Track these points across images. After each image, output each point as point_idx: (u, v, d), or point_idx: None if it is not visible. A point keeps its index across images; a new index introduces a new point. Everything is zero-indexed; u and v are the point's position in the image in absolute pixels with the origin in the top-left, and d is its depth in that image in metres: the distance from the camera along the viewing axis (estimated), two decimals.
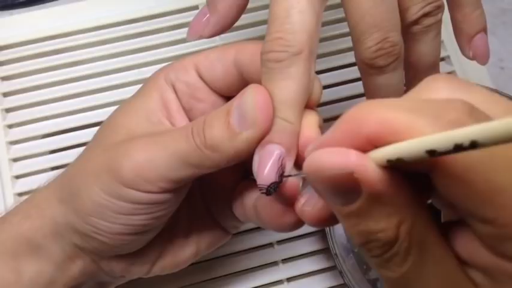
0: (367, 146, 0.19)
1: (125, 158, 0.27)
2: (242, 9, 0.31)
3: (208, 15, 0.31)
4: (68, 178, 0.30)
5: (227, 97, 0.31)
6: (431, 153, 0.17)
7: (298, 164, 0.26)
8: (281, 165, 0.25)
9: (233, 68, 0.29)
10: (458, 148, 0.16)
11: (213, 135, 0.26)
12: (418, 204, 0.20)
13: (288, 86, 0.25)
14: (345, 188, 0.19)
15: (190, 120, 0.30)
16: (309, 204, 0.25)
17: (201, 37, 0.32)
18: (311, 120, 0.27)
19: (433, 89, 0.20)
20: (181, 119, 0.30)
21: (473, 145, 0.16)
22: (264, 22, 0.47)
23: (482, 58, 0.33)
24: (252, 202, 0.30)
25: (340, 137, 0.19)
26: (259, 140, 0.26)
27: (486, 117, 0.18)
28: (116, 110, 0.31)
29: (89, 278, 0.32)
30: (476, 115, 0.18)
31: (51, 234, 0.30)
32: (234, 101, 0.26)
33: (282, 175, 0.25)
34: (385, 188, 0.19)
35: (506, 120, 0.15)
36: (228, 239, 0.35)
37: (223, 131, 0.26)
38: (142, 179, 0.27)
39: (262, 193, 0.25)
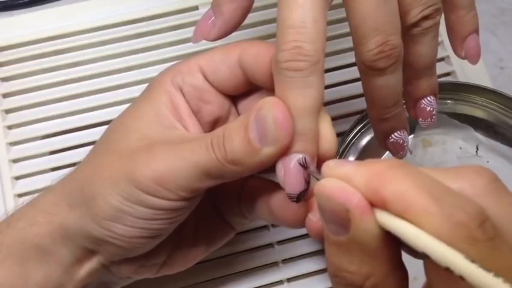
0: (378, 202, 0.20)
1: (145, 167, 0.27)
2: (247, 12, 0.32)
3: (213, 17, 0.31)
4: (79, 183, 0.30)
5: (233, 97, 0.31)
6: (427, 256, 0.18)
7: (318, 165, 0.27)
8: (307, 173, 0.26)
9: (238, 69, 0.29)
10: (448, 270, 0.17)
11: (234, 150, 0.26)
12: (397, 263, 0.21)
13: (309, 94, 0.25)
14: (338, 219, 0.20)
15: (200, 122, 0.31)
16: (316, 215, 0.27)
17: (206, 40, 0.32)
18: (326, 122, 0.27)
19: (468, 180, 0.20)
20: (192, 122, 0.30)
21: (462, 278, 0.17)
22: (264, 22, 0.48)
23: (473, 58, 0.33)
24: (264, 202, 0.30)
25: (359, 181, 0.20)
26: (281, 154, 0.26)
27: (495, 234, 0.18)
28: (123, 113, 0.31)
29: (95, 279, 0.32)
30: (486, 228, 0.18)
31: (61, 239, 0.30)
32: (251, 114, 0.26)
33: (308, 182, 0.26)
34: (369, 239, 0.20)
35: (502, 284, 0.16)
36: (233, 234, 0.35)
37: (244, 146, 0.26)
38: (163, 188, 0.27)
39: (293, 201, 0.26)
